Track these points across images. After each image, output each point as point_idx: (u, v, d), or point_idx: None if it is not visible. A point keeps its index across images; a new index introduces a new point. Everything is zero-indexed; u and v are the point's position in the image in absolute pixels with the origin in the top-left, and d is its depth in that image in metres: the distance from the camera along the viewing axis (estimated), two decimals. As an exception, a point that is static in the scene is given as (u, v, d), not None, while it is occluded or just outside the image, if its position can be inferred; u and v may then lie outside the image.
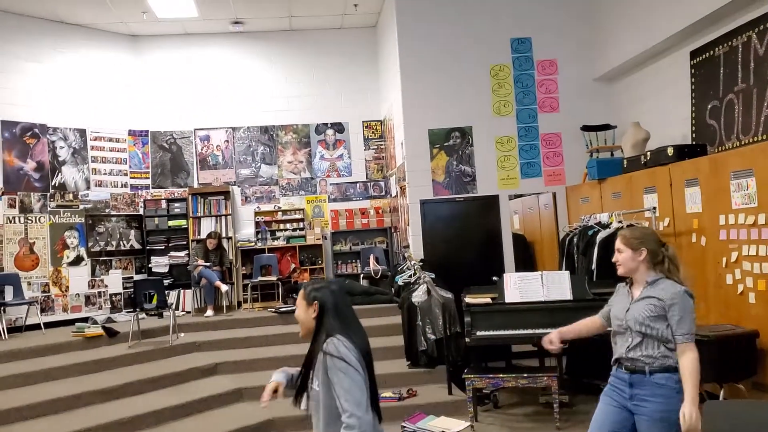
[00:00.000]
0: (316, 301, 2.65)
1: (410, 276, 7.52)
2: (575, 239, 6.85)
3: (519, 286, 5.86)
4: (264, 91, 10.53)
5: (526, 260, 8.91)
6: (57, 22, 9.51)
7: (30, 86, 9.27)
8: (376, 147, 10.65)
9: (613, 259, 3.17)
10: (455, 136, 8.54)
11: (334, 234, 10.44)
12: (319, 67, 10.60)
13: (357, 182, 10.62)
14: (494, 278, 6.17)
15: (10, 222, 8.95)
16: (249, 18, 9.94)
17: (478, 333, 5.74)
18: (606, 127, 8.22)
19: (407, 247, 8.75)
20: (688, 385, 2.82)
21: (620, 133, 8.01)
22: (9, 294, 8.55)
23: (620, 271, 3.15)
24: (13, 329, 8.54)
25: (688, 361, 2.86)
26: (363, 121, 10.64)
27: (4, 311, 8.38)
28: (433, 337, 6.52)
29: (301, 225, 10.32)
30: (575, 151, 8.45)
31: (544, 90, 8.61)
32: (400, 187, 9.16)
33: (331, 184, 10.60)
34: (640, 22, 7.35)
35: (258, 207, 10.44)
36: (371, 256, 9.95)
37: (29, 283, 8.99)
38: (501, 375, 5.61)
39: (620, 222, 6.34)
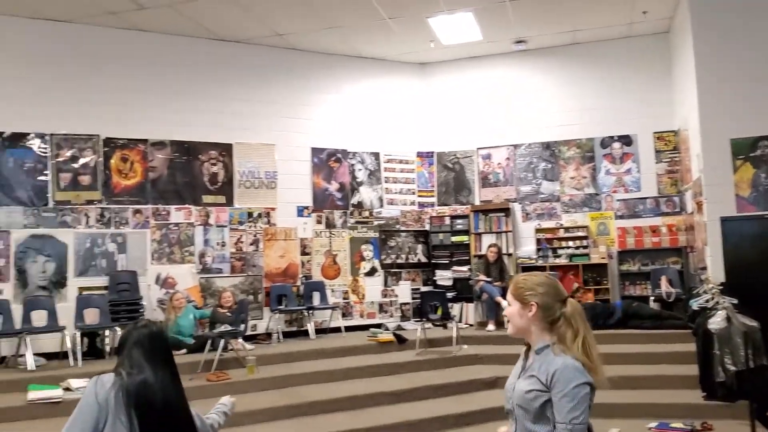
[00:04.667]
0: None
1: (707, 300, 6.81)
2: None
3: None
4: (546, 106, 10.46)
5: None
6: (355, 57, 10.57)
7: (333, 116, 10.43)
8: (669, 160, 9.89)
9: (503, 313, 2.34)
10: (764, 146, 7.58)
11: (621, 253, 9.89)
12: (605, 79, 10.21)
13: (647, 198, 9.97)
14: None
15: (318, 236, 10.12)
16: (531, 36, 9.99)
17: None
18: None
19: (704, 268, 7.98)
20: None
21: None
22: (316, 299, 9.69)
23: (509, 330, 2.43)
24: (319, 330, 9.60)
25: None
26: (654, 133, 9.97)
27: (313, 314, 9.49)
28: (733, 368, 5.83)
29: (584, 243, 9.98)
30: None
31: None
32: (697, 203, 8.40)
33: (617, 200, 10.09)
34: None
35: (539, 224, 10.36)
36: (663, 278, 9.22)
37: (332, 290, 10.05)
38: (825, 419, 4.80)
39: None
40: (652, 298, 9.21)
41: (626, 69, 10.11)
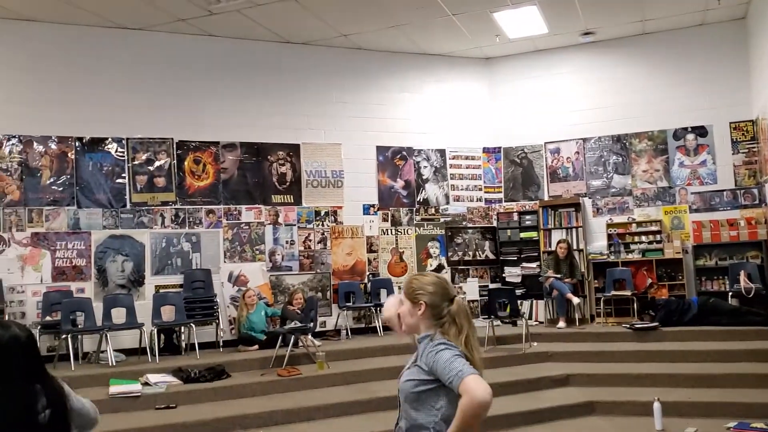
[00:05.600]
0: None
1: (791, 295, 6.53)
2: None
3: None
4: (616, 98, 10.17)
5: None
6: (418, 54, 10.56)
7: (398, 114, 10.45)
8: (746, 150, 9.49)
9: (396, 311, 2.49)
10: None
11: (697, 247, 9.54)
12: (677, 69, 9.87)
13: (723, 190, 9.59)
14: None
15: (384, 234, 10.18)
16: (599, 27, 9.74)
17: None
18: None
19: (788, 262, 7.61)
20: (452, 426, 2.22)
21: None
22: (383, 296, 9.73)
23: (402, 328, 2.52)
24: (387, 327, 9.62)
25: (462, 402, 2.21)
26: (730, 123, 9.58)
27: (380, 311, 9.55)
28: (822, 367, 5.57)
29: (657, 237, 9.67)
30: None
31: None
32: (778, 194, 8.03)
33: (692, 193, 9.74)
34: None
35: (610, 219, 10.10)
36: (742, 272, 8.84)
37: (399, 288, 10.07)
38: None
39: None
40: (730, 293, 8.86)
41: (700, 58, 9.75)
